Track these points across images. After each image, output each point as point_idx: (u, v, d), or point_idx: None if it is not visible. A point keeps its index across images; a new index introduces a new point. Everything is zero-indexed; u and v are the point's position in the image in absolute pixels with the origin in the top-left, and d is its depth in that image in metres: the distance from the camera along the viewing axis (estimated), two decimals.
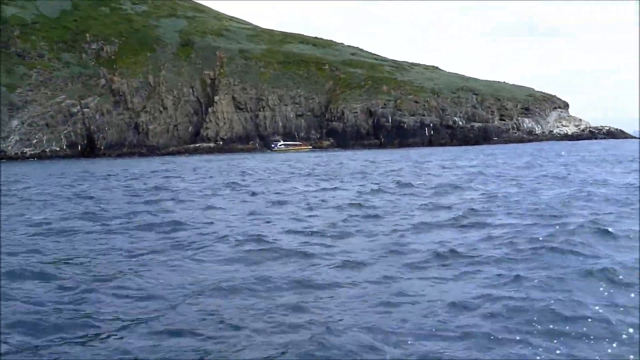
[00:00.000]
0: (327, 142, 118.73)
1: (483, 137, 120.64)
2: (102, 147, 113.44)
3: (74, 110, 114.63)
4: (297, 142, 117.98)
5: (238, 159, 78.28)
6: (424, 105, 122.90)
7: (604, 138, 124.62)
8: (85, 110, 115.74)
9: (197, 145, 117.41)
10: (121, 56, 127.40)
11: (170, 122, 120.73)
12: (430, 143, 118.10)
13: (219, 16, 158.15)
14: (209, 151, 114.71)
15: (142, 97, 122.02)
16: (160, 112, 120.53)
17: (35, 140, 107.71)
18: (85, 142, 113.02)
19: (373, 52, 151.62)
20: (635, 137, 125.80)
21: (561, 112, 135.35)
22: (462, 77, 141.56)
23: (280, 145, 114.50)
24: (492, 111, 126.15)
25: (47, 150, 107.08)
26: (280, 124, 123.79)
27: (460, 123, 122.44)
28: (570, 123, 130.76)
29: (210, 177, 45.85)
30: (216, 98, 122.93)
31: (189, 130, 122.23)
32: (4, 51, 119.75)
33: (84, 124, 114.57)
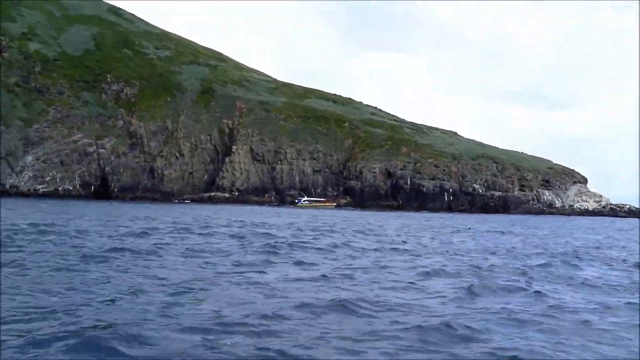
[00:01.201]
0: (344, 201, 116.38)
1: (502, 207, 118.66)
2: (116, 190, 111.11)
3: (90, 150, 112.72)
4: (321, 199, 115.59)
5: (273, 215, 69.13)
6: (444, 170, 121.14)
7: (625, 216, 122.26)
8: (101, 150, 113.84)
9: (212, 194, 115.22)
10: (141, 99, 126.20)
11: (186, 169, 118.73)
12: (450, 209, 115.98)
13: (239, 66, 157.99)
14: (224, 201, 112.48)
15: (159, 142, 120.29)
16: (177, 158, 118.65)
17: (48, 178, 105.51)
18: (98, 182, 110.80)
19: (391, 113, 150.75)
20: None
21: (581, 187, 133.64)
22: (481, 144, 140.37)
23: (304, 201, 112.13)
24: (512, 181, 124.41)
25: (60, 188, 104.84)
26: (297, 178, 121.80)
27: (480, 190, 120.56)
28: (590, 199, 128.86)
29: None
30: (234, 148, 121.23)
31: (204, 178, 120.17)
32: (24, 86, 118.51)
33: (99, 164, 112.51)
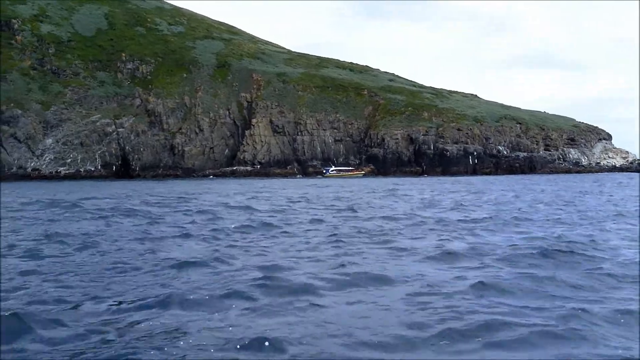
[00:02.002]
0: (367, 169, 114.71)
1: (529, 167, 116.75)
2: (137, 168, 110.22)
3: (109, 129, 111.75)
4: (349, 168, 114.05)
5: (310, 185, 64.16)
6: (467, 133, 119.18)
7: None
8: (120, 130, 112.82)
9: (234, 168, 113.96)
10: (157, 76, 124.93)
11: (207, 144, 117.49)
12: (475, 172, 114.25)
13: (254, 39, 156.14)
14: (246, 175, 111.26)
15: (178, 118, 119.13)
16: (196, 133, 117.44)
17: (69, 160, 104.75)
18: (119, 162, 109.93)
19: (410, 79, 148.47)
20: None
21: (606, 143, 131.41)
22: (503, 106, 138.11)
23: (331, 170, 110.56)
24: (536, 141, 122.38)
25: (82, 170, 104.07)
26: (319, 148, 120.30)
27: (505, 152, 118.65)
28: (617, 155, 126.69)
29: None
30: (253, 121, 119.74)
31: (225, 153, 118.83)
32: (39, 69, 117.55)
33: (119, 144, 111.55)
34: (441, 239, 16.52)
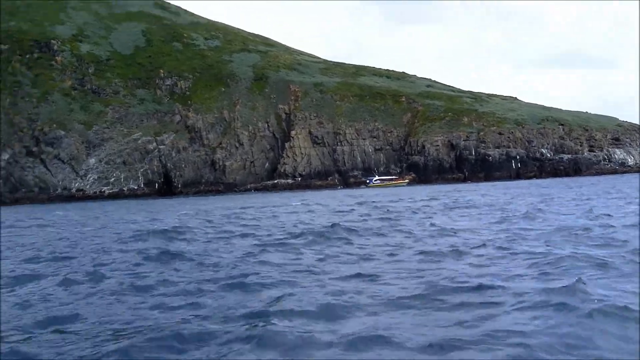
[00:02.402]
0: (409, 177, 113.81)
1: (573, 169, 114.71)
2: (179, 185, 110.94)
3: (150, 147, 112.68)
4: (393, 177, 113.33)
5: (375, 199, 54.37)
6: (509, 137, 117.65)
7: None
8: (161, 147, 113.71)
9: (275, 181, 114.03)
10: (195, 92, 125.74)
11: (247, 158, 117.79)
12: (518, 176, 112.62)
13: (289, 50, 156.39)
14: (287, 187, 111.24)
15: (218, 133, 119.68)
16: (237, 148, 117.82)
17: (113, 179, 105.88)
18: (161, 179, 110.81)
19: (448, 84, 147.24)
20: None
21: None
22: (544, 107, 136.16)
23: (375, 180, 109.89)
24: (580, 142, 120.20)
25: (125, 188, 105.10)
26: (359, 158, 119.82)
27: (549, 155, 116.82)
28: None
29: None
30: (293, 133, 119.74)
31: (265, 166, 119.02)
32: (80, 89, 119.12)
33: (160, 161, 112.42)
34: None
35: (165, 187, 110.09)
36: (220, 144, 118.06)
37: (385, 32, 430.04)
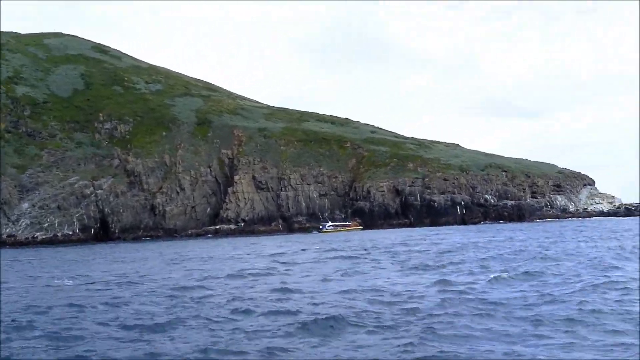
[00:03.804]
0: (354, 223, 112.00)
1: (517, 215, 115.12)
2: (117, 231, 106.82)
3: (87, 191, 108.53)
4: (346, 223, 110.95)
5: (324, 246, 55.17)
6: (454, 183, 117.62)
7: None
8: (99, 191, 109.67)
9: (217, 227, 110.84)
10: (136, 135, 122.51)
11: (188, 203, 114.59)
12: (464, 222, 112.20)
13: (232, 95, 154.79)
14: (230, 233, 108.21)
15: (158, 178, 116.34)
16: (178, 192, 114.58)
17: (46, 224, 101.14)
18: (98, 225, 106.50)
19: (391, 130, 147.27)
20: None
21: (591, 189, 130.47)
22: (486, 154, 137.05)
23: (328, 226, 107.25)
24: (523, 188, 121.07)
25: (60, 234, 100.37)
26: (304, 204, 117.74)
27: (492, 201, 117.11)
28: (603, 200, 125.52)
29: None
30: (236, 177, 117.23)
31: (207, 211, 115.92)
32: (14, 131, 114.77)
33: (97, 205, 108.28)
34: None
35: (101, 232, 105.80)
36: (161, 188, 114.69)
37: (326, 80, 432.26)
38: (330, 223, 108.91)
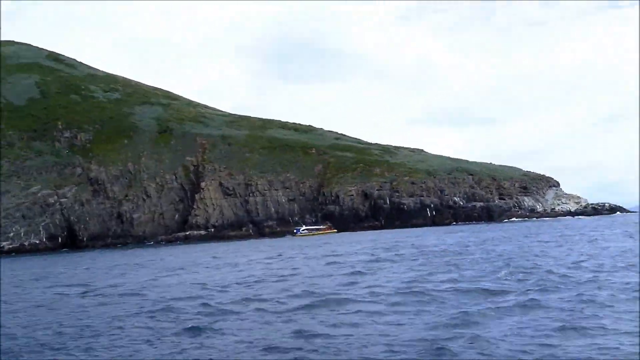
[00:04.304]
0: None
1: (487, 216, 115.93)
2: (85, 239, 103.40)
3: (51, 200, 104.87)
4: (321, 226, 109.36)
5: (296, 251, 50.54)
6: (422, 187, 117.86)
7: (608, 214, 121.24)
8: (63, 200, 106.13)
9: (187, 233, 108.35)
10: (96, 144, 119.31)
11: (155, 210, 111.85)
12: (434, 223, 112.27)
13: (192, 103, 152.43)
14: (200, 239, 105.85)
15: (123, 185, 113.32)
16: (144, 200, 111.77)
17: (12, 233, 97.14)
18: (65, 233, 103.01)
19: (355, 137, 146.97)
20: (635, 212, 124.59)
21: (557, 190, 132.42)
22: (451, 159, 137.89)
23: (303, 230, 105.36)
24: (490, 191, 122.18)
25: (26, 243, 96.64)
26: (273, 209, 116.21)
27: (461, 203, 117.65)
28: (570, 200, 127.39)
29: None
30: (203, 184, 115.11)
31: (175, 218, 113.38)
32: None
33: (63, 214, 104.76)
34: None
35: (69, 240, 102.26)
36: (127, 196, 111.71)
37: (284, 90, 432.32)
38: (304, 227, 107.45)
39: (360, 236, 79.97)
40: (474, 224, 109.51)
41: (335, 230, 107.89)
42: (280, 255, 46.94)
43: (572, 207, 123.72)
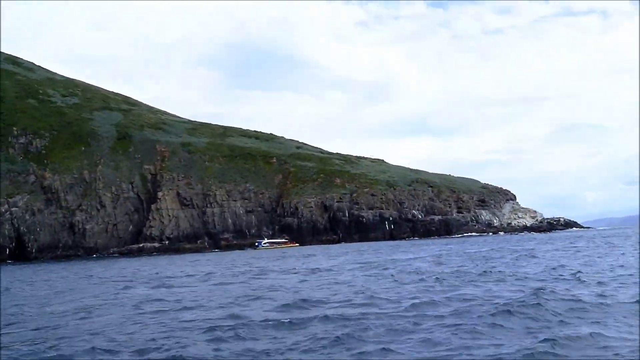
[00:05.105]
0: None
1: (445, 230, 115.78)
2: (34, 250, 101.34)
3: (1, 209, 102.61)
4: (283, 240, 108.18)
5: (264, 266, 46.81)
6: (381, 199, 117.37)
7: (563, 229, 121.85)
8: (14, 209, 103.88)
9: (141, 245, 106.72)
10: (52, 150, 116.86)
11: (109, 221, 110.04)
12: (392, 237, 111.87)
13: (152, 110, 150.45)
14: (154, 251, 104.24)
15: (77, 194, 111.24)
16: (98, 210, 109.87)
17: None
18: (13, 244, 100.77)
19: (317, 146, 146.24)
20: (589, 227, 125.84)
21: (514, 203, 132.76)
22: (411, 170, 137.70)
23: (264, 243, 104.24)
24: (449, 204, 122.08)
25: None
26: (230, 220, 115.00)
27: (420, 216, 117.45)
28: (526, 215, 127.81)
29: None
30: (160, 194, 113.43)
31: (129, 229, 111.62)
32: None
33: (12, 224, 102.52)
34: None
35: (18, 252, 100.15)
36: (80, 205, 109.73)
37: (244, 98, 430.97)
38: (266, 240, 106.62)
39: (324, 250, 77.32)
40: (431, 238, 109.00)
41: (297, 244, 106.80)
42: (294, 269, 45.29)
43: (528, 221, 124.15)
